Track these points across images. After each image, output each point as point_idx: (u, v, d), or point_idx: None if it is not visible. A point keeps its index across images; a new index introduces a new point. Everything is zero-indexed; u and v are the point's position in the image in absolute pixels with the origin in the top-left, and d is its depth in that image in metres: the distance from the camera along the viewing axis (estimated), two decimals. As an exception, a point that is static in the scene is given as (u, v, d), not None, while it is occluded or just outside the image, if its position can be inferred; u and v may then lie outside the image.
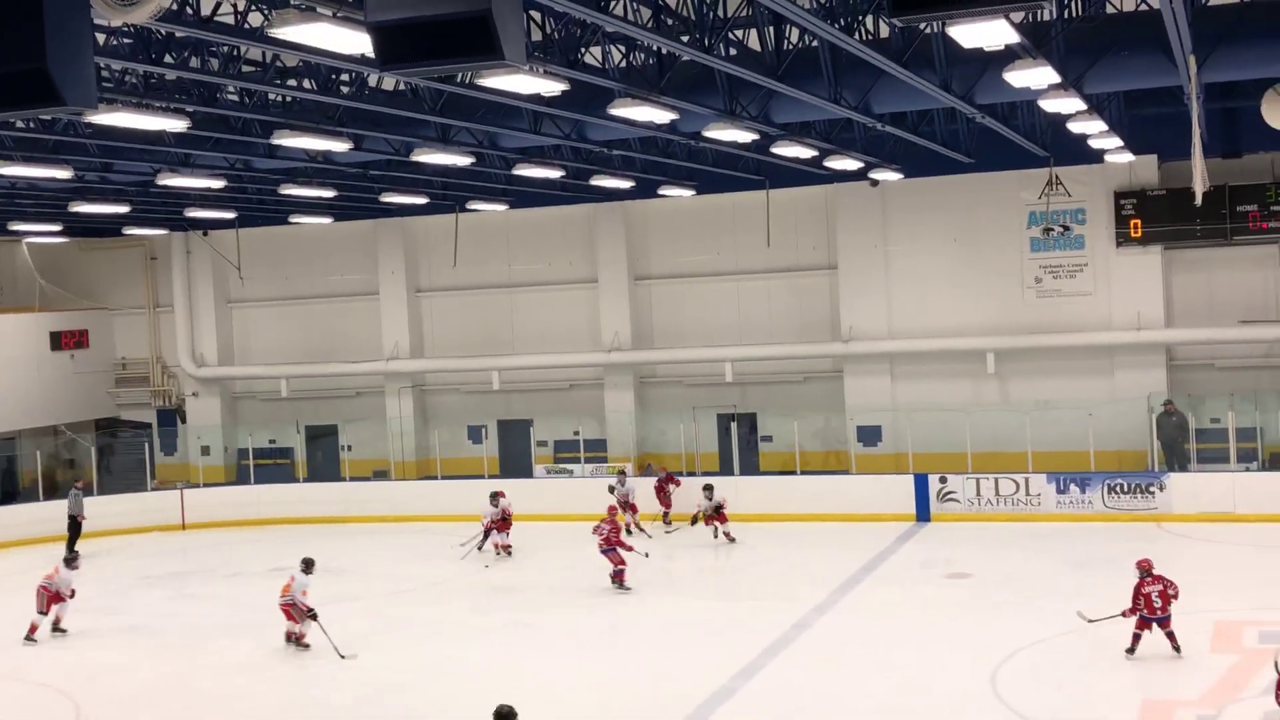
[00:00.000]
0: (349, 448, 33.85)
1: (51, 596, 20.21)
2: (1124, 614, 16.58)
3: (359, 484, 31.88)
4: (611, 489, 26.96)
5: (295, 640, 18.83)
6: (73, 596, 20.42)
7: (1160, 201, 28.20)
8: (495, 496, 25.21)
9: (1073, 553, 22.89)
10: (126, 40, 14.40)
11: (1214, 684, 14.91)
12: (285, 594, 18.88)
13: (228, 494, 31.71)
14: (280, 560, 24.30)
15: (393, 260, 34.99)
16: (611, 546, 21.67)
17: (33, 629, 20.04)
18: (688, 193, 29.85)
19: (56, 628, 20.37)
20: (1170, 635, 16.41)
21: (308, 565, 19.29)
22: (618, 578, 21.60)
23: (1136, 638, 16.50)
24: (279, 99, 18.80)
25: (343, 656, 17.85)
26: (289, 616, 18.87)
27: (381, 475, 33.46)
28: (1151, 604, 16.34)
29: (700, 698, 15.46)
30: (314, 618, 18.53)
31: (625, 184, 27.84)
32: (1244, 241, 27.99)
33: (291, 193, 26.10)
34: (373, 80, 17.82)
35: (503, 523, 25.19)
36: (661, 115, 17.42)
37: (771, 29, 15.91)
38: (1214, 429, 27.22)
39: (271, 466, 33.82)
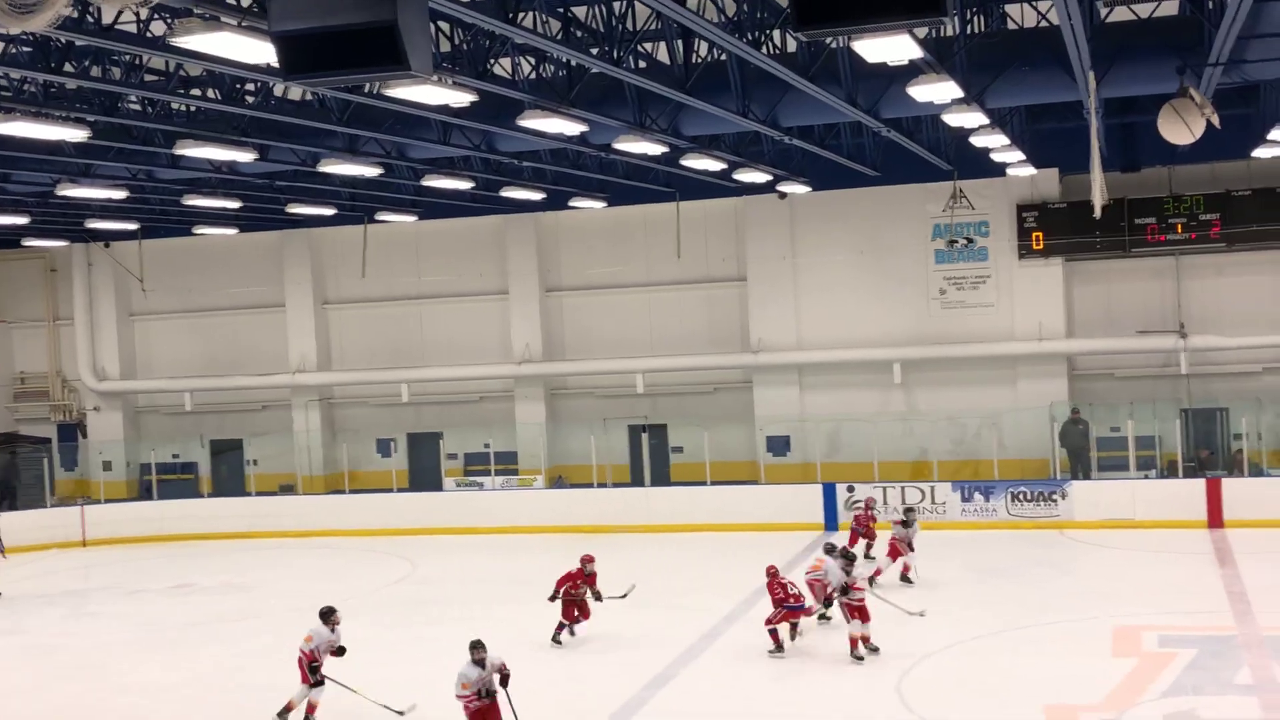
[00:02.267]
0: (255, 462, 33.37)
1: None
2: None
3: (265, 499, 31.40)
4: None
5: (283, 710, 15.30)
6: None
7: (1061, 214, 28.75)
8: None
9: (977, 560, 23.21)
10: (25, 48, 14.13)
11: (1115, 688, 15.17)
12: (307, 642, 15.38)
13: (130, 509, 31.04)
14: (184, 577, 23.92)
15: (299, 272, 34.58)
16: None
17: None
18: (598, 204, 29.89)
19: None
20: None
21: (325, 615, 15.54)
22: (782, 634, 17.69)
23: None
24: (182, 108, 18.55)
25: None
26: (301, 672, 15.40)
27: (288, 490, 32.95)
28: None
29: (612, 708, 15.46)
30: (319, 684, 15.18)
31: (536, 195, 27.79)
32: (1142, 254, 28.61)
33: (195, 204, 25.74)
34: (278, 90, 17.66)
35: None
36: (571, 127, 17.48)
37: (680, 42, 16.03)
38: (1114, 437, 27.75)
39: (175, 481, 33.25)
